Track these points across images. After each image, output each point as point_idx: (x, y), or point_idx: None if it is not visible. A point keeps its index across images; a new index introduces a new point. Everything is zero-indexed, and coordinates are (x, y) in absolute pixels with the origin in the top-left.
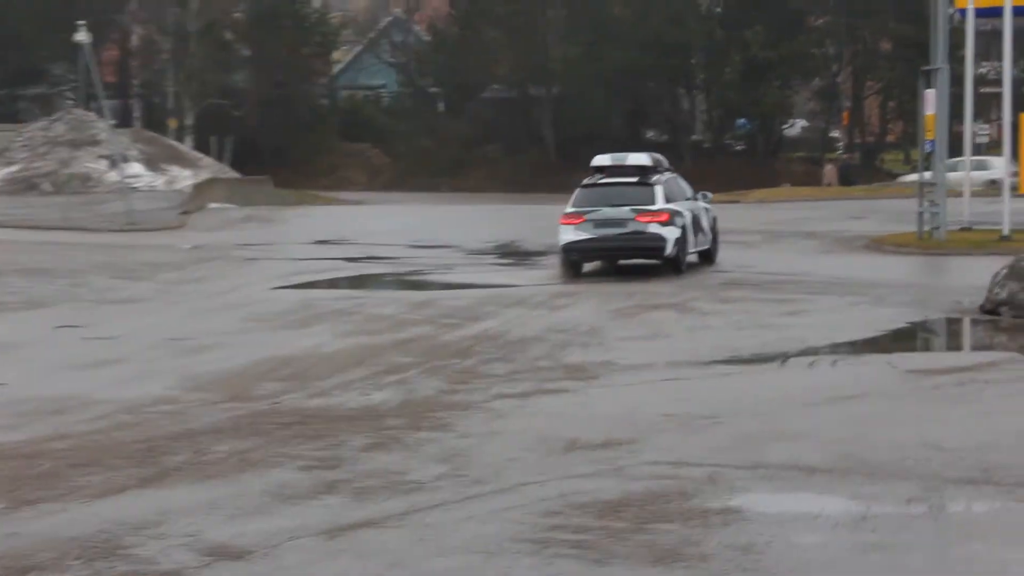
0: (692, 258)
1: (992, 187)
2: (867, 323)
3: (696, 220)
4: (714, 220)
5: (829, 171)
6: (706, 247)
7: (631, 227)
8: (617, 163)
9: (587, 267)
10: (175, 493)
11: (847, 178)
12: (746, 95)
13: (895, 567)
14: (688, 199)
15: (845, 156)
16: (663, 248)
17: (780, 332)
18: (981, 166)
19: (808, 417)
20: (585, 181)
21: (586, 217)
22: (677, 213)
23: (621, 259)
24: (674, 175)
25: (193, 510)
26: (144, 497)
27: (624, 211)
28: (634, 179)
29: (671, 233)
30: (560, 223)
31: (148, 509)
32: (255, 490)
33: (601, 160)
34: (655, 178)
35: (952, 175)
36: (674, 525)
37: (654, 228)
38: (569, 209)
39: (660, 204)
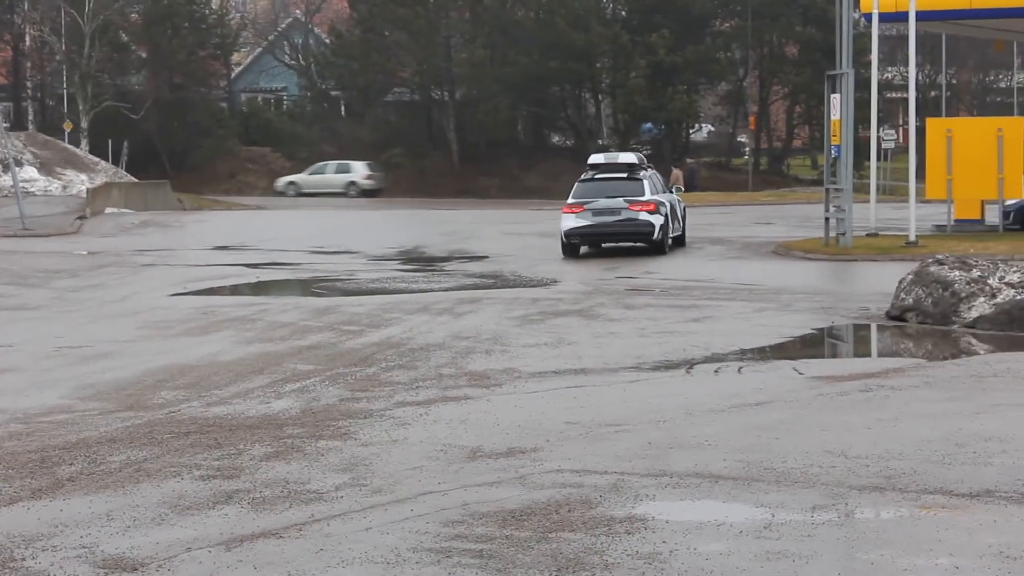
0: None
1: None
2: (773, 329)
3: (673, 210)
4: (684, 210)
5: (675, 176)
6: (679, 233)
7: (624, 215)
8: (609, 161)
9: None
10: (69, 504)
11: (693, 183)
12: (652, 100)
13: (800, 574)
14: (664, 192)
15: (690, 160)
16: (652, 233)
17: (686, 339)
18: None
19: (713, 424)
20: (582, 176)
21: (585, 207)
22: (661, 203)
23: (615, 243)
24: (654, 171)
25: (88, 521)
26: (37, 508)
27: (618, 201)
28: (624, 174)
29: (657, 220)
30: (562, 212)
31: (41, 521)
32: (152, 500)
33: (596, 158)
34: (641, 173)
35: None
36: (578, 534)
37: (644, 216)
38: (570, 200)
39: (648, 195)
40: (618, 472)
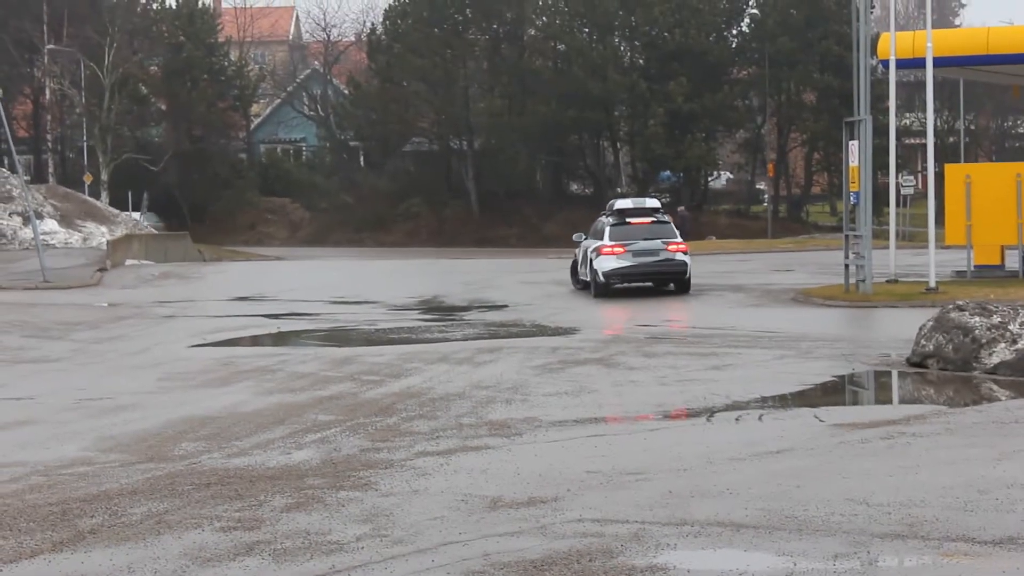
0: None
1: None
2: (794, 377)
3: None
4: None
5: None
6: None
7: (663, 256)
8: (638, 206)
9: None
10: (90, 557)
11: (683, 230)
12: (670, 147)
13: None
14: None
15: (681, 208)
16: (685, 272)
17: (706, 387)
18: None
19: (734, 473)
20: (613, 220)
21: (627, 248)
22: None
23: (651, 283)
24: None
25: (109, 574)
26: (58, 561)
27: (657, 243)
28: (651, 218)
29: (688, 260)
30: (601, 253)
31: (62, 574)
32: (173, 553)
33: (624, 203)
34: (665, 216)
35: None
36: None
37: (679, 256)
38: (608, 242)
39: (678, 236)
40: (639, 521)
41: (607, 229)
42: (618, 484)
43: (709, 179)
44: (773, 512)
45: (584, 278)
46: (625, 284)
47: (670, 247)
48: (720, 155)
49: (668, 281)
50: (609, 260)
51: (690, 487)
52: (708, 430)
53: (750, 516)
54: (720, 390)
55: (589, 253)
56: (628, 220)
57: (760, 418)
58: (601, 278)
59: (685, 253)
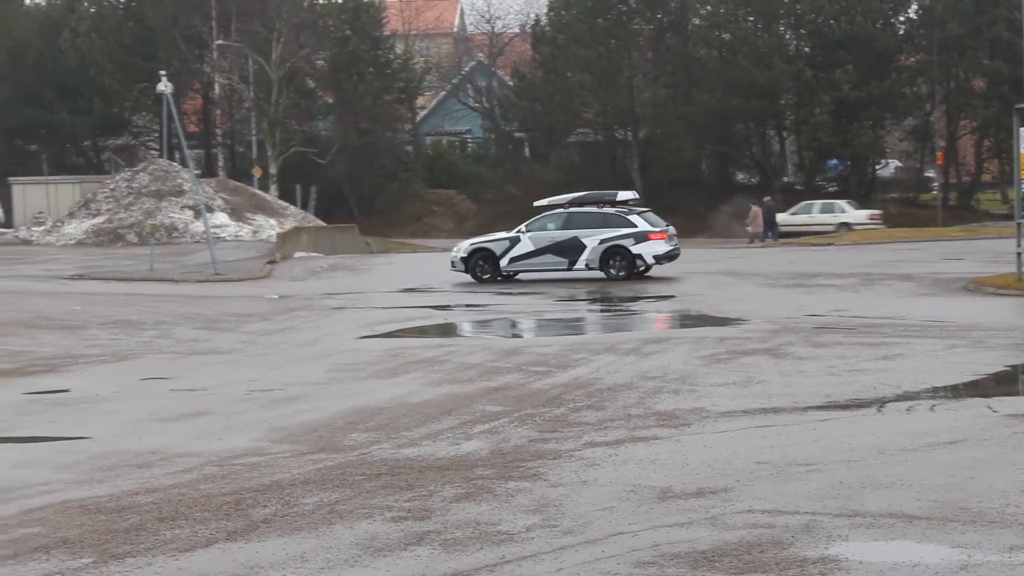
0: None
1: None
2: (966, 367)
3: None
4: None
5: (754, 213)
6: None
7: (675, 240)
8: (634, 198)
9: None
10: (264, 546)
11: (770, 220)
12: (837, 136)
13: None
14: None
15: (767, 199)
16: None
17: (876, 377)
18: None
19: (906, 463)
20: (628, 211)
21: (668, 233)
22: None
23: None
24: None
25: (283, 563)
26: (232, 550)
27: (671, 229)
28: (647, 208)
29: None
30: (650, 239)
31: (237, 562)
32: (345, 542)
33: (625, 195)
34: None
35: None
36: (770, 575)
37: (676, 241)
38: (652, 228)
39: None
40: (810, 512)
41: (635, 217)
42: (788, 475)
43: (876, 167)
44: (946, 503)
45: (550, 268)
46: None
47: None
48: (888, 143)
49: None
50: (659, 244)
51: (861, 478)
52: (879, 420)
53: (923, 507)
54: (890, 380)
55: (610, 240)
56: (639, 210)
57: (932, 408)
58: (651, 260)
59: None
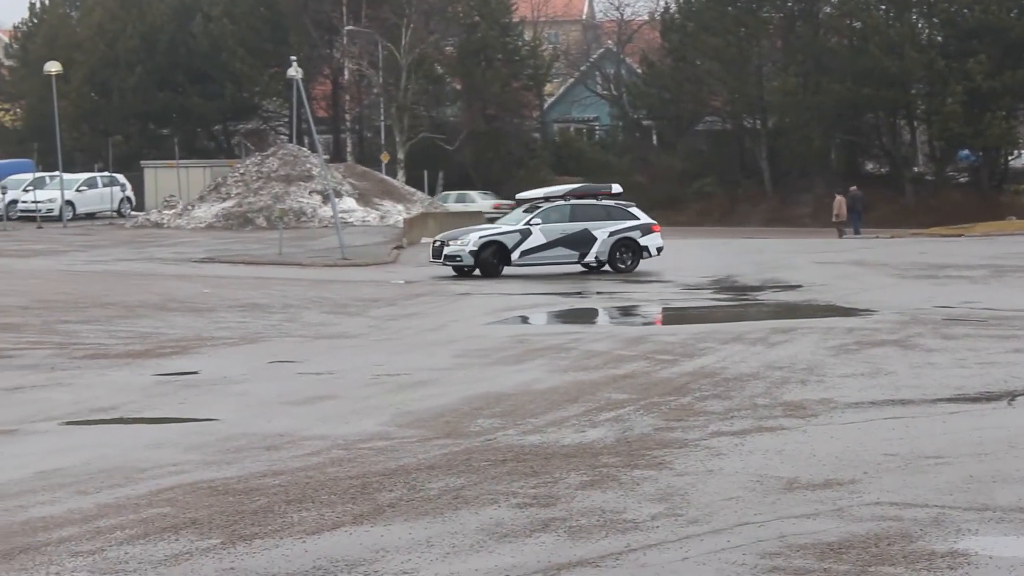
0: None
1: None
2: None
3: None
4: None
5: (838, 203)
6: None
7: None
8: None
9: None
10: (390, 530)
11: (856, 210)
12: (969, 126)
13: None
14: None
15: (853, 188)
16: None
17: (1007, 370)
18: None
19: None
20: (626, 204)
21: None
22: None
23: None
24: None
25: (408, 547)
26: (359, 534)
27: None
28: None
29: None
30: (653, 231)
31: (363, 546)
32: (470, 528)
33: (617, 188)
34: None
35: None
36: (898, 568)
37: None
38: (654, 222)
39: None
40: (939, 505)
41: (635, 210)
42: (917, 467)
43: (1010, 158)
44: None
45: (561, 261)
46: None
47: None
48: (1021, 134)
49: None
50: (658, 237)
51: (991, 472)
52: (1009, 414)
53: None
54: (1021, 373)
55: (619, 233)
56: (629, 203)
57: None
58: (655, 252)
59: None
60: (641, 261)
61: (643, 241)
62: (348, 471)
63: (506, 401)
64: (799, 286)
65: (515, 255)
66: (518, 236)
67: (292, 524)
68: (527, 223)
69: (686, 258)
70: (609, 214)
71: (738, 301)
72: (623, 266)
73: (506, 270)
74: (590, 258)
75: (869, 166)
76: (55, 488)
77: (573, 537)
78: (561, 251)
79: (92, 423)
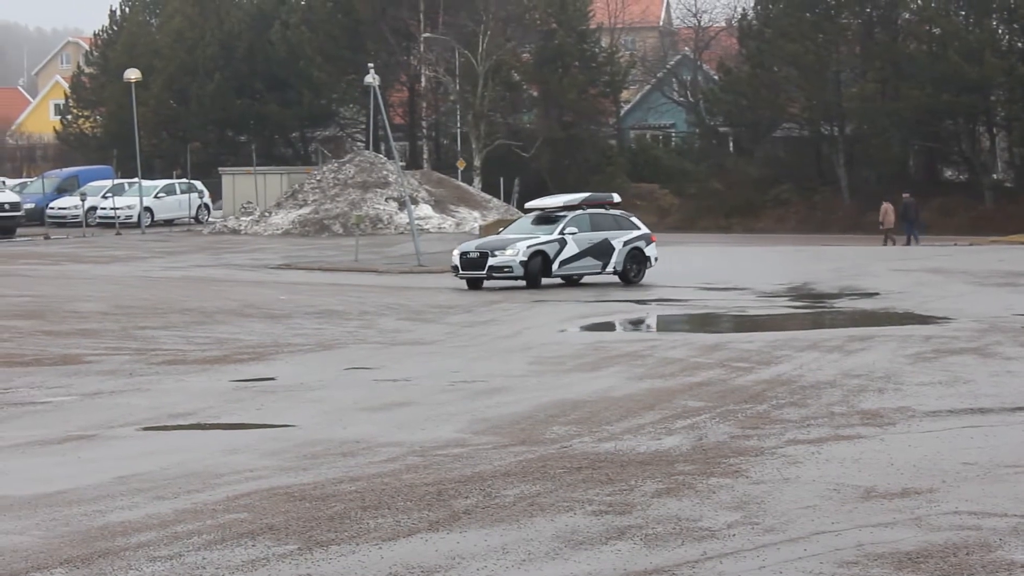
0: None
1: None
2: None
3: None
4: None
5: (886, 210)
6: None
7: None
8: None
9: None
10: (465, 537)
11: (908, 218)
12: None
13: None
14: None
15: (906, 195)
16: None
17: None
18: None
19: None
20: (627, 212)
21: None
22: None
23: None
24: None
25: (484, 554)
26: (434, 541)
27: None
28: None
29: None
30: (652, 240)
31: (438, 553)
32: (546, 535)
33: (617, 198)
34: None
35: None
36: None
37: None
38: (650, 231)
39: None
40: (1018, 515)
41: (635, 219)
42: (996, 476)
43: None
44: None
45: (588, 271)
46: None
47: None
48: None
49: None
50: (655, 247)
51: None
52: None
53: None
54: None
55: (630, 242)
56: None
57: None
58: (655, 263)
59: None
60: (646, 271)
61: (647, 251)
62: (424, 478)
63: (581, 408)
64: (876, 293)
65: (555, 265)
66: (557, 246)
67: (368, 530)
68: (560, 232)
69: (761, 266)
70: (618, 224)
71: (815, 309)
72: (633, 276)
73: (543, 281)
74: (610, 268)
75: (948, 173)
76: (133, 493)
77: (649, 545)
78: (590, 261)
79: (170, 429)
